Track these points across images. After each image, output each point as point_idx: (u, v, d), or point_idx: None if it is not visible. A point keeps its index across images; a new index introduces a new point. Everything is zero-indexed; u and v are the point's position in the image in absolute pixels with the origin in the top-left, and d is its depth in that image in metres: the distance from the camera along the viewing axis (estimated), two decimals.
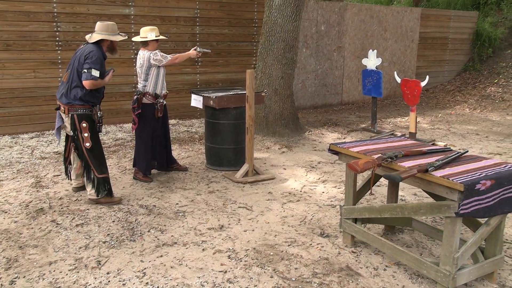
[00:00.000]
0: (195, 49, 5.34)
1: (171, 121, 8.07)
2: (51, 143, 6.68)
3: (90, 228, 3.91)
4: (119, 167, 5.65)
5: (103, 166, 4.41)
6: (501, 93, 11.25)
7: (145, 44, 5.04)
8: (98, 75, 4.16)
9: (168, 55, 5.08)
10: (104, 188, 4.38)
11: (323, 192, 4.90)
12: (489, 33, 12.51)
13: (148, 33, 4.99)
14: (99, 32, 4.32)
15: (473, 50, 12.85)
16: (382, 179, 4.76)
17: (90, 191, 4.39)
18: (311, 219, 4.18)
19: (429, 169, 2.80)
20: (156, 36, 5.01)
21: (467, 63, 12.92)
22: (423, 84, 6.87)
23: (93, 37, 4.30)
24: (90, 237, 3.72)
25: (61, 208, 4.32)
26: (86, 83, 4.14)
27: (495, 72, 12.13)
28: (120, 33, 4.48)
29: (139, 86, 5.08)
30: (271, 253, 3.48)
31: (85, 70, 4.12)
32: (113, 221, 4.05)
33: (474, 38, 12.78)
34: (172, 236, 3.78)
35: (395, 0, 16.75)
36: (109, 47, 4.42)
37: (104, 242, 3.64)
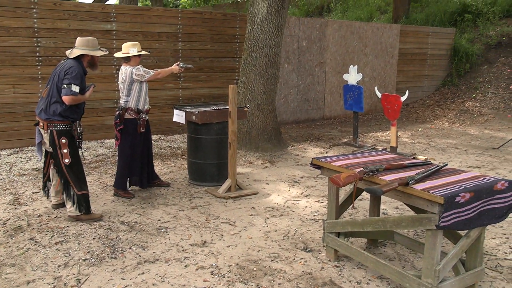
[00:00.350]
0: (177, 65, 5.34)
1: (154, 137, 8.03)
2: (30, 160, 6.56)
3: (70, 245, 3.83)
4: (100, 183, 5.58)
5: (83, 183, 4.35)
6: (478, 107, 11.50)
7: (127, 59, 5.03)
8: (78, 91, 4.13)
9: (150, 71, 5.07)
10: (82, 206, 4.31)
11: (306, 207, 4.91)
12: (466, 49, 12.82)
13: (130, 48, 4.99)
14: (79, 47, 4.30)
15: (451, 66, 13.14)
16: (364, 193, 4.79)
17: (70, 208, 4.32)
18: (294, 233, 4.17)
19: (410, 183, 2.83)
20: (138, 52, 5.01)
21: (445, 78, 13.20)
22: (403, 99, 6.98)
23: (73, 52, 4.28)
24: (70, 255, 3.65)
25: (40, 226, 4.23)
26: (65, 99, 4.09)
27: (472, 87, 12.41)
28: (101, 48, 4.46)
29: (121, 101, 5.05)
30: (254, 269, 3.46)
31: (65, 86, 4.08)
32: (94, 238, 3.98)
33: (452, 54, 13.09)
34: (154, 252, 3.73)
35: (374, 16, 17.08)
36: (89, 62, 4.39)
37: (84, 260, 3.56)
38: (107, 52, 4.56)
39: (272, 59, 7.41)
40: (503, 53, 12.65)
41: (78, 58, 4.29)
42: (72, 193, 4.28)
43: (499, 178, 3.00)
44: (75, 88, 4.10)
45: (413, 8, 15.77)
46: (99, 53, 4.38)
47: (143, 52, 5.11)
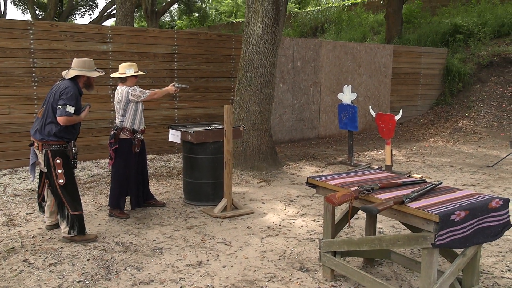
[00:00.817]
0: (173, 85, 5.38)
1: (149, 156, 8.02)
2: (24, 180, 6.53)
3: (64, 267, 3.79)
4: (95, 204, 5.55)
5: (77, 203, 4.32)
6: (472, 126, 11.59)
7: (123, 80, 5.06)
8: (73, 111, 4.14)
9: (146, 91, 5.10)
10: (77, 226, 4.27)
11: (302, 226, 4.89)
12: (458, 68, 12.99)
13: (126, 69, 5.02)
14: (75, 68, 4.33)
15: (444, 85, 13.29)
16: (360, 212, 4.79)
17: (64, 229, 4.28)
18: (291, 253, 4.15)
19: (405, 201, 2.84)
20: (134, 72, 5.05)
21: (439, 97, 13.33)
22: (397, 117, 7.04)
23: (69, 73, 4.30)
24: (64, 277, 3.60)
25: (34, 247, 4.18)
26: (60, 119, 4.10)
27: (465, 105, 12.53)
28: (97, 69, 4.49)
29: (117, 121, 5.06)
30: None
31: (60, 106, 4.09)
32: (88, 260, 3.94)
33: (444, 74, 13.26)
34: (149, 273, 3.69)
35: (368, 37, 17.32)
36: (85, 83, 4.41)
37: (78, 282, 3.52)
38: (103, 73, 4.59)
39: (267, 79, 7.48)
40: (494, 72, 12.82)
41: (74, 79, 4.31)
42: (66, 213, 4.26)
43: (494, 196, 3.02)
44: (70, 109, 4.11)
45: (406, 29, 16.02)
46: (95, 74, 4.41)
47: (140, 73, 5.15)
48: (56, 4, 20.76)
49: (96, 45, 7.73)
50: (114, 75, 5.14)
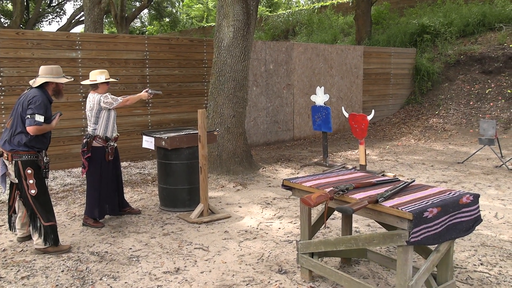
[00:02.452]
0: (146, 91, 5.33)
1: (123, 164, 7.90)
2: None
3: (37, 280, 3.69)
4: (68, 214, 5.43)
5: (50, 214, 4.22)
6: (442, 123, 11.87)
7: (95, 87, 4.98)
8: (42, 120, 4.04)
9: (118, 98, 5.03)
10: (50, 237, 4.18)
11: (279, 228, 4.91)
12: (427, 68, 13.30)
13: (97, 76, 4.95)
14: (43, 75, 4.22)
15: (414, 84, 13.58)
16: (336, 212, 4.83)
17: (36, 241, 4.17)
18: (269, 256, 4.15)
19: (379, 200, 2.88)
20: (106, 79, 4.97)
21: (409, 96, 13.61)
22: (369, 117, 7.15)
23: (37, 81, 4.20)
24: None
25: (5, 260, 4.06)
26: (29, 129, 4.01)
27: (435, 104, 12.82)
28: (65, 76, 4.40)
29: (89, 129, 4.97)
30: None
31: (29, 116, 4.00)
32: (62, 271, 3.85)
33: (414, 73, 13.55)
34: (125, 282, 3.63)
35: (338, 39, 17.55)
36: (54, 90, 4.31)
37: None
38: (72, 79, 4.51)
39: (240, 83, 7.48)
40: (461, 71, 13.17)
41: (43, 87, 4.22)
42: (39, 224, 4.15)
43: (464, 192, 3.10)
44: (39, 118, 4.02)
45: (375, 30, 16.30)
46: (63, 80, 4.32)
47: (111, 80, 5.08)
48: (22, 12, 20.29)
49: (64, 52, 7.59)
50: (85, 82, 5.06)
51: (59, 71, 4.32)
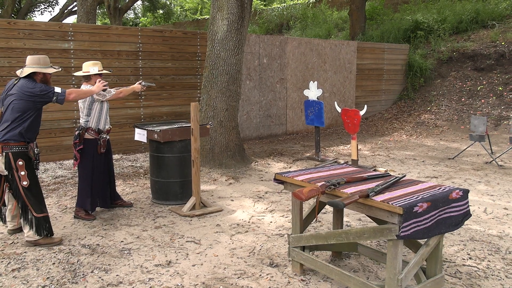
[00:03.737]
0: (139, 83, 5.31)
1: (115, 156, 7.88)
2: None
3: (28, 272, 3.68)
4: (59, 206, 5.41)
5: (42, 205, 4.21)
6: (434, 119, 11.95)
7: (87, 78, 4.95)
8: (60, 90, 4.16)
9: (112, 89, 5.01)
10: (44, 228, 4.16)
11: (271, 222, 4.93)
12: (420, 64, 13.36)
13: (90, 67, 4.91)
14: (30, 65, 4.18)
15: (407, 80, 13.64)
16: (328, 206, 4.86)
17: (27, 233, 4.16)
18: (260, 249, 4.17)
19: (370, 194, 2.91)
20: (99, 71, 4.94)
21: (401, 92, 13.67)
22: (362, 113, 7.17)
23: (24, 71, 4.15)
24: (28, 282, 3.50)
25: None
26: (70, 97, 4.25)
27: (427, 100, 12.89)
28: (53, 66, 4.35)
29: (81, 121, 4.95)
30: (221, 287, 3.43)
31: (54, 98, 4.11)
32: (53, 263, 3.84)
33: (406, 69, 13.61)
34: (117, 275, 3.64)
35: (332, 34, 17.55)
36: (42, 80, 4.24)
37: (44, 287, 3.43)
38: (60, 69, 4.47)
39: (234, 76, 7.47)
40: (454, 67, 13.25)
41: (31, 77, 4.17)
42: (30, 217, 4.13)
43: (454, 188, 3.13)
44: (58, 89, 4.15)
45: (369, 26, 16.32)
46: (51, 70, 4.27)
47: (104, 71, 5.04)
48: (14, 1, 20.06)
49: (57, 43, 7.52)
50: (78, 73, 5.02)
51: (46, 61, 4.26)
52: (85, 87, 4.94)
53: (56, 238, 4.29)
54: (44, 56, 4.30)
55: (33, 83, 4.10)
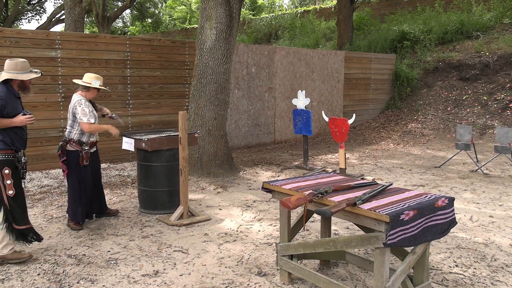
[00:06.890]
0: (110, 116, 5.23)
1: (103, 165, 7.82)
2: None
3: (12, 283, 3.62)
4: (45, 216, 5.35)
5: (25, 215, 4.12)
6: (420, 128, 12.08)
7: (85, 89, 4.90)
8: None
9: (92, 120, 4.81)
10: (31, 237, 4.08)
11: (259, 231, 4.92)
12: (406, 73, 13.53)
13: (93, 80, 4.86)
14: (7, 71, 4.07)
15: (394, 90, 13.79)
16: (316, 215, 4.87)
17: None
18: (248, 258, 4.16)
19: (357, 203, 2.92)
20: (100, 85, 4.90)
21: (389, 101, 13.81)
22: (350, 122, 7.23)
23: (1, 77, 4.07)
24: None
25: None
26: None
27: (414, 109, 13.04)
28: (33, 70, 4.18)
29: (66, 131, 4.89)
30: None
31: None
32: (38, 274, 3.79)
33: (393, 79, 13.77)
34: (103, 286, 3.59)
35: (320, 43, 17.70)
36: (20, 86, 4.12)
37: None
38: (40, 74, 4.25)
39: (222, 85, 7.49)
40: (440, 77, 13.43)
41: (7, 82, 4.08)
42: (11, 228, 4.02)
43: (440, 196, 3.16)
44: None
45: (356, 36, 16.51)
46: (28, 76, 4.11)
47: (104, 88, 5.00)
48: (1, 9, 19.93)
49: (44, 51, 7.48)
50: (79, 81, 4.91)
51: (24, 66, 4.11)
52: (76, 96, 4.86)
53: (26, 254, 4.11)
54: (23, 61, 4.12)
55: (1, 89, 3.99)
